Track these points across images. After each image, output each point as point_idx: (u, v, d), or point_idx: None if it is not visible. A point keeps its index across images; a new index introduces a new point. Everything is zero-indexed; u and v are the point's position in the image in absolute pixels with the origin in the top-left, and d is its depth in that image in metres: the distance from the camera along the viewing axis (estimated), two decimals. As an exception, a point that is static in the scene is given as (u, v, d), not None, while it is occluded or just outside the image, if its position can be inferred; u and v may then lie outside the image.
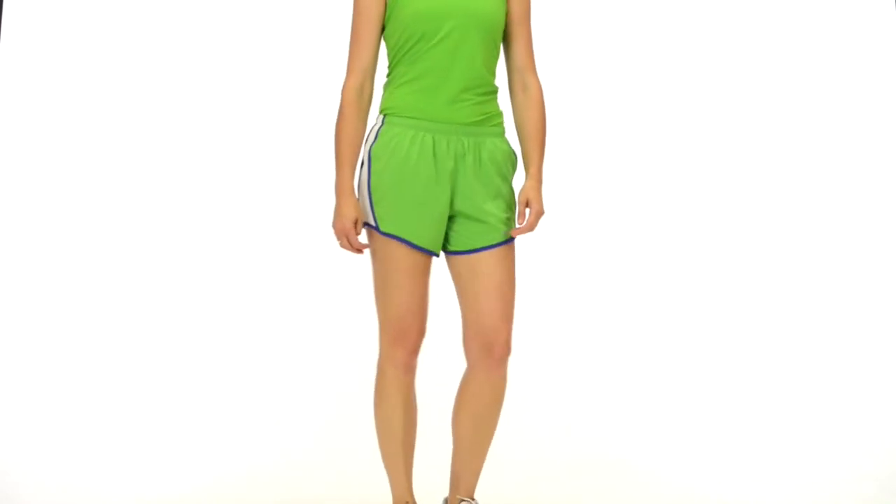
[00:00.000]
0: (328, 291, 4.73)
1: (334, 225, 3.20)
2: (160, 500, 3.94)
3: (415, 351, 3.27)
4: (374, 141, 3.23)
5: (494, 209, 3.24)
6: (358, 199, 3.22)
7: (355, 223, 3.18)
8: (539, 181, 3.28)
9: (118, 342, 4.62)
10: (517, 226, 3.25)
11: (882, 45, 4.94)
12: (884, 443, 4.36)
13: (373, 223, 3.21)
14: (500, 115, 3.29)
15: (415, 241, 3.19)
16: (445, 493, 3.42)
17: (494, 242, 3.23)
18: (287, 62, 4.90)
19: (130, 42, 4.85)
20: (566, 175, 4.54)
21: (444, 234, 3.24)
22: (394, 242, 3.19)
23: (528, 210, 3.25)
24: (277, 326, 4.70)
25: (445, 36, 3.18)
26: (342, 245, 3.20)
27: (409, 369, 3.28)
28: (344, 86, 3.24)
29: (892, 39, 4.95)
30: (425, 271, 3.24)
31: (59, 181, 4.75)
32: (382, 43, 3.30)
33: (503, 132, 3.30)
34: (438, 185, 3.19)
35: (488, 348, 3.23)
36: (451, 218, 3.24)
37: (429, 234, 3.20)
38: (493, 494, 3.87)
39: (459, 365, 3.32)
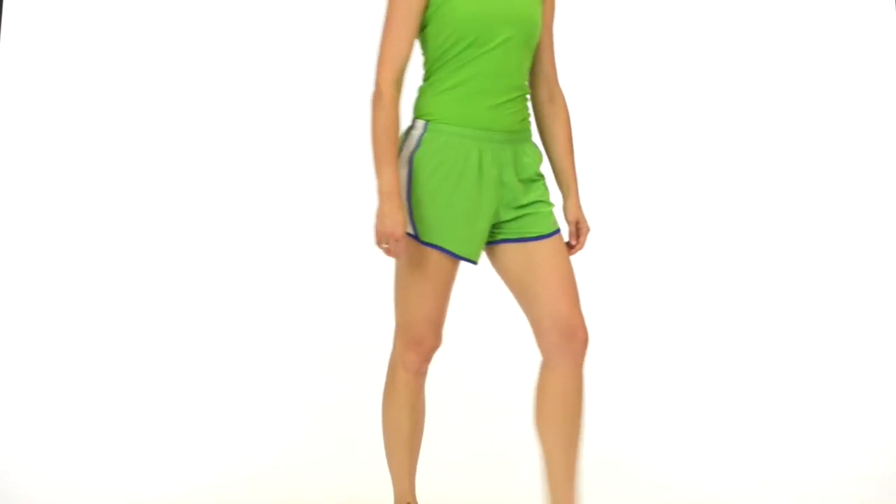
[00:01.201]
0: (329, 291, 4.73)
1: (378, 228, 3.05)
2: (160, 500, 3.94)
3: (428, 358, 3.23)
4: (416, 147, 3.11)
5: (540, 203, 3.18)
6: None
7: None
8: (579, 197, 3.27)
9: (118, 342, 4.62)
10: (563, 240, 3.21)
11: (882, 45, 4.94)
12: (883, 443, 4.36)
13: (412, 231, 3.11)
14: (529, 116, 3.25)
15: (456, 251, 3.11)
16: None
17: (548, 232, 3.16)
18: (287, 62, 4.90)
19: (131, 42, 4.85)
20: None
21: (484, 242, 3.16)
22: (432, 252, 3.12)
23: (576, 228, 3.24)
24: (278, 326, 4.70)
25: (500, 43, 3.09)
26: (384, 249, 3.08)
27: (421, 373, 3.26)
28: (380, 78, 3.07)
29: (892, 39, 4.95)
30: (453, 281, 3.20)
31: (60, 181, 4.75)
32: None
33: (532, 134, 3.26)
34: (482, 193, 3.11)
35: (571, 333, 3.11)
36: (495, 224, 3.17)
37: (470, 244, 3.13)
38: (492, 494, 3.87)
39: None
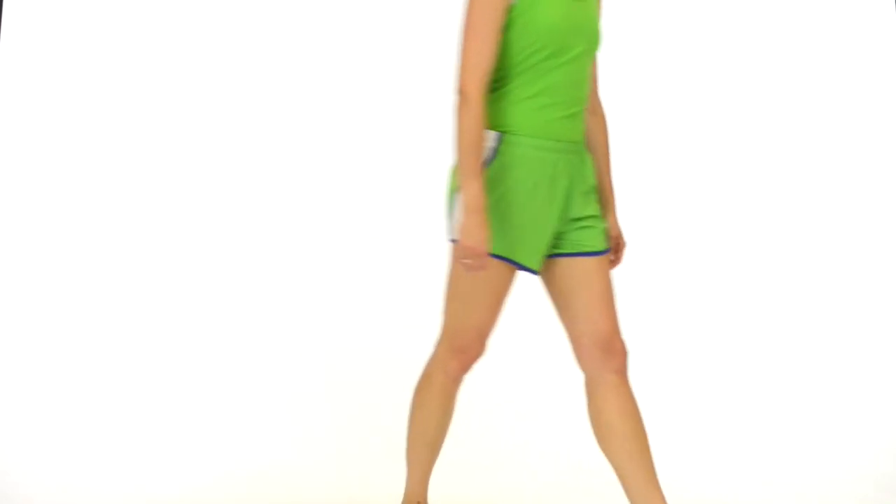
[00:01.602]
0: (330, 292, 4.73)
1: (463, 243, 2.95)
2: (160, 500, 3.94)
3: (470, 367, 3.19)
4: (491, 159, 3.02)
5: (595, 219, 3.15)
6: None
7: None
8: (616, 213, 3.25)
9: (118, 342, 4.62)
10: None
11: (882, 45, 4.94)
12: (881, 442, 4.36)
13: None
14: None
15: (524, 263, 3.05)
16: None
17: (600, 249, 3.13)
18: (287, 62, 4.90)
19: (131, 42, 4.85)
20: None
21: (546, 252, 3.11)
22: (496, 262, 3.03)
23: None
24: (278, 326, 4.70)
25: (576, 55, 3.05)
26: (466, 265, 2.98)
27: (458, 381, 3.22)
28: (467, 83, 2.97)
29: (892, 39, 4.95)
30: (509, 292, 3.13)
31: (60, 181, 4.75)
32: None
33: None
34: (552, 205, 3.06)
35: (610, 348, 3.09)
36: (554, 235, 3.12)
37: (536, 255, 3.07)
38: (492, 494, 3.87)
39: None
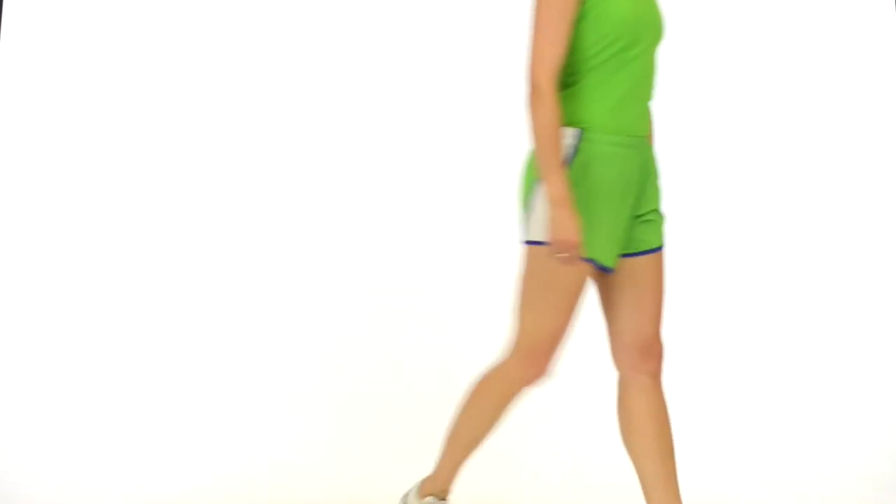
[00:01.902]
0: (330, 291, 4.73)
1: (555, 237, 2.88)
2: (160, 501, 3.94)
3: (543, 377, 3.09)
4: (571, 157, 2.94)
5: (655, 213, 3.10)
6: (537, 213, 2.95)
7: None
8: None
9: (118, 342, 4.62)
10: None
11: (882, 45, 4.94)
12: (879, 442, 4.36)
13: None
14: None
15: (604, 262, 2.97)
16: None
17: (657, 245, 3.08)
18: (287, 63, 4.90)
19: (131, 42, 4.85)
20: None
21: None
22: (581, 264, 2.94)
23: None
24: (278, 327, 4.70)
25: (646, 48, 2.99)
26: (562, 259, 2.89)
27: (524, 392, 3.14)
28: (539, 77, 2.89)
29: (892, 39, 4.95)
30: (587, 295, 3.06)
31: (60, 181, 4.75)
32: None
33: None
34: (626, 200, 2.99)
35: (649, 351, 3.07)
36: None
37: (614, 253, 2.99)
38: (493, 495, 3.87)
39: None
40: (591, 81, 2.96)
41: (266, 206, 4.83)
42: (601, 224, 2.95)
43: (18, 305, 4.63)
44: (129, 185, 4.79)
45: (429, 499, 3.26)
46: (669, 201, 4.89)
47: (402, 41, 4.89)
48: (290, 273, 4.78)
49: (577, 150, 2.94)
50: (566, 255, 2.87)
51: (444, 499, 3.26)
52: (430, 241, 4.74)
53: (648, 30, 3.00)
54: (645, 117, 3.06)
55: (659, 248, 3.10)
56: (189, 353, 4.63)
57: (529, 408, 4.41)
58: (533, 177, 2.98)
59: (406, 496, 3.29)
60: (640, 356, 3.09)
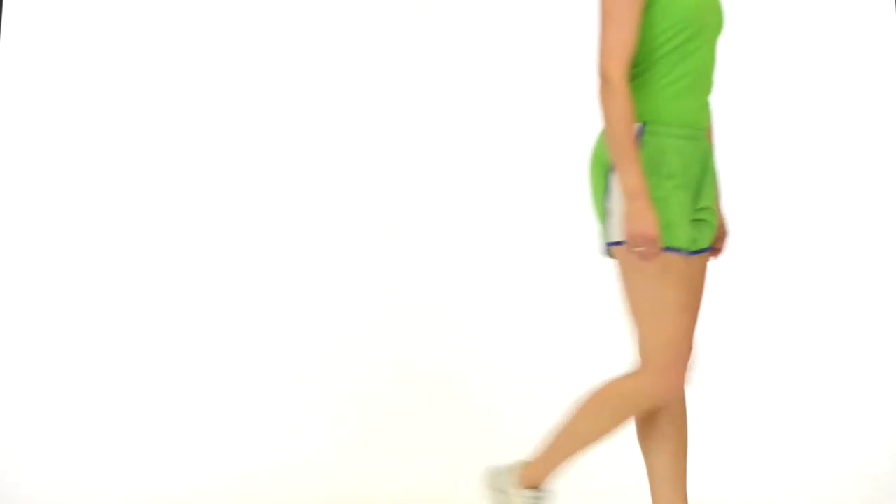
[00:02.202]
0: (330, 291, 4.73)
1: (632, 230, 2.80)
2: (160, 500, 3.94)
3: (685, 383, 2.99)
4: (639, 148, 2.87)
5: (710, 209, 3.04)
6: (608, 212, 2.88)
7: None
8: (720, 200, 3.13)
9: (118, 342, 4.61)
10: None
11: (882, 45, 4.94)
12: (881, 442, 4.36)
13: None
14: None
15: (688, 247, 2.89)
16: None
17: (708, 246, 3.04)
18: (287, 63, 4.89)
19: (131, 42, 4.85)
20: (563, 175, 4.54)
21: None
22: (673, 256, 2.86)
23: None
24: (278, 327, 4.70)
25: (709, 38, 2.94)
26: (640, 254, 2.81)
27: (664, 402, 3.04)
28: (610, 68, 2.82)
29: (892, 39, 4.95)
30: (705, 286, 2.99)
31: (60, 181, 4.75)
32: None
33: None
34: (689, 194, 2.92)
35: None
36: None
37: (691, 238, 2.92)
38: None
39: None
40: (657, 72, 2.90)
41: (267, 207, 4.83)
42: (674, 212, 2.87)
43: (18, 306, 4.63)
44: (130, 186, 4.79)
45: (530, 491, 3.15)
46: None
47: (411, 40, 4.89)
48: (290, 274, 4.77)
49: (642, 142, 2.87)
50: (644, 249, 2.80)
51: (541, 492, 3.14)
52: (431, 240, 4.73)
53: (711, 20, 2.95)
54: (706, 109, 2.99)
55: (707, 250, 3.04)
56: (189, 354, 4.63)
57: (530, 408, 4.41)
58: (601, 172, 2.91)
59: (496, 477, 3.17)
60: None
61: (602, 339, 4.75)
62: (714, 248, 3.13)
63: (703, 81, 2.95)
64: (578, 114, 4.86)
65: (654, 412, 3.06)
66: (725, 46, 4.95)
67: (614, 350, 4.74)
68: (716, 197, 3.09)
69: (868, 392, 4.58)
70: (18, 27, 4.77)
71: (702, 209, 3.01)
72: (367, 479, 3.96)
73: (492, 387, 4.46)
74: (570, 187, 4.78)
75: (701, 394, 4.60)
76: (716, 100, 5.00)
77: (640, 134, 2.87)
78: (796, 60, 4.97)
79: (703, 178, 2.99)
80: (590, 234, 4.87)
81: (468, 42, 4.82)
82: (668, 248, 2.85)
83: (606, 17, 2.85)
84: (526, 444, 4.29)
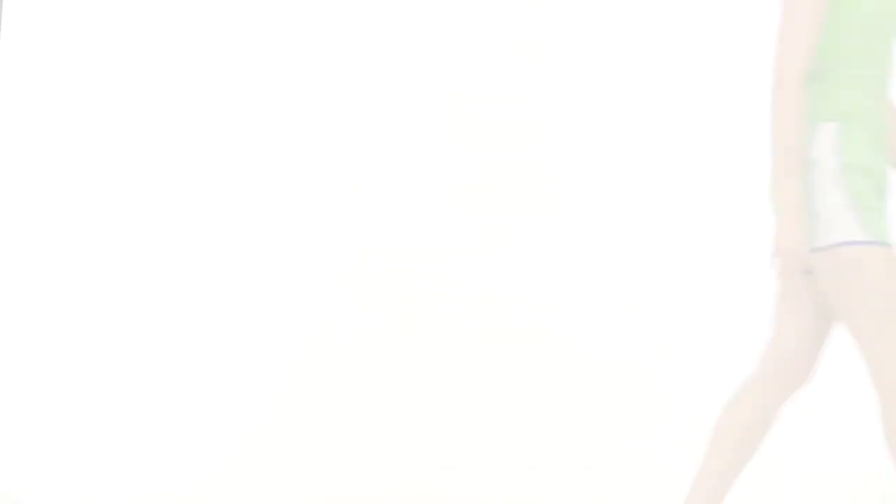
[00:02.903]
0: (330, 292, 4.72)
1: (783, 245, 2.64)
2: (160, 501, 3.94)
3: None
4: (839, 148, 2.70)
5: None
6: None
7: None
8: None
9: (117, 342, 4.61)
10: None
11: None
12: (879, 442, 4.36)
13: (866, 239, 2.66)
14: None
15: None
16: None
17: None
18: (288, 63, 4.89)
19: (131, 42, 4.84)
20: (564, 174, 4.54)
21: None
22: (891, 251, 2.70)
23: None
24: (278, 327, 4.69)
25: (892, 35, 2.78)
26: (781, 269, 2.69)
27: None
28: (789, 69, 2.68)
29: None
30: None
31: (60, 181, 4.75)
32: None
33: None
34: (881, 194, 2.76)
35: (798, 371, 2.96)
36: None
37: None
38: (495, 494, 3.87)
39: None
40: (845, 70, 2.75)
41: (263, 207, 4.83)
42: (876, 205, 2.71)
43: (18, 306, 4.63)
44: (128, 186, 4.79)
45: None
46: (669, 201, 4.91)
47: (428, 41, 4.89)
48: (290, 274, 4.77)
49: (842, 141, 2.72)
50: (785, 264, 2.65)
51: None
52: (431, 240, 4.73)
53: (894, 19, 2.80)
54: (886, 111, 2.82)
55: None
56: (189, 354, 4.63)
57: (531, 408, 4.41)
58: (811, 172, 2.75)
59: None
60: (790, 377, 2.97)
61: (603, 339, 4.75)
62: None
63: (884, 82, 2.81)
64: (579, 114, 4.86)
65: (741, 407, 2.92)
66: (725, 47, 4.96)
67: (615, 348, 4.75)
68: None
69: (869, 392, 4.57)
70: (18, 27, 4.77)
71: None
72: (368, 479, 3.95)
73: (492, 387, 4.46)
74: (566, 189, 4.77)
75: (701, 394, 4.60)
76: (716, 100, 4.99)
77: (838, 132, 2.72)
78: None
79: (879, 183, 2.80)
80: (587, 234, 4.85)
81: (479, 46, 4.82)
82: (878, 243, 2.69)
83: (787, 17, 2.72)
84: (526, 443, 4.29)
